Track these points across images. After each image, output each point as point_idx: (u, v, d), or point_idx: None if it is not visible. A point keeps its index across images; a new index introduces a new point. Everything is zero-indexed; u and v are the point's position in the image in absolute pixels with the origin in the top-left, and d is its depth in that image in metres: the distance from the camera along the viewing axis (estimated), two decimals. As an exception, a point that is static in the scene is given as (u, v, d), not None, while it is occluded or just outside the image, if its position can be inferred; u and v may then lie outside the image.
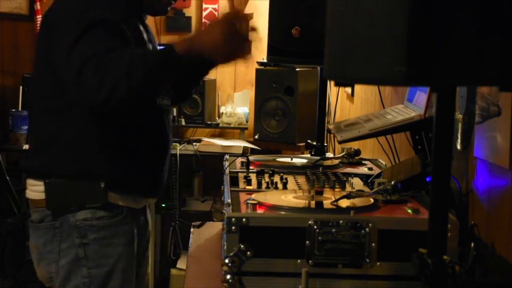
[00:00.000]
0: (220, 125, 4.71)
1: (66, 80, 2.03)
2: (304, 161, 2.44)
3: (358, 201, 1.77)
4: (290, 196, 1.83)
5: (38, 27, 4.74)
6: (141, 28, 2.22)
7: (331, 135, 3.06)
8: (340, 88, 3.83)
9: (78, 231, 2.12)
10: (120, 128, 2.13)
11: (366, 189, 1.99)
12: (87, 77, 1.94)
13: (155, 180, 2.24)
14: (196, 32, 2.09)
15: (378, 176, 2.07)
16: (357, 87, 3.59)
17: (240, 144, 4.43)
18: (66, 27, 2.04)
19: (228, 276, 1.59)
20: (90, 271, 2.13)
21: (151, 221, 2.42)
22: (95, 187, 2.11)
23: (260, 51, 2.78)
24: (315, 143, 2.59)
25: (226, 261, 1.60)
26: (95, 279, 2.13)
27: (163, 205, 4.56)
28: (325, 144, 2.63)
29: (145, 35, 2.22)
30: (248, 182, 2.04)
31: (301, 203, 1.78)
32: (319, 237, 1.60)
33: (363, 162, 2.44)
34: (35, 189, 2.16)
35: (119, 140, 2.13)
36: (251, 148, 4.33)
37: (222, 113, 4.72)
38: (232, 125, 4.71)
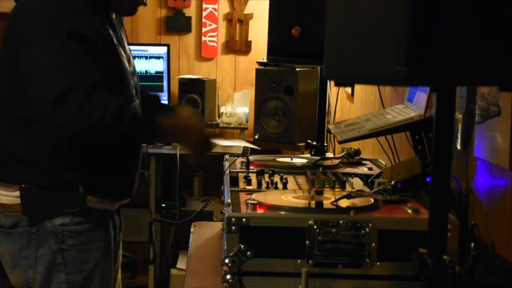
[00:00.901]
0: (220, 125, 4.70)
1: (36, 97, 1.98)
2: (304, 161, 2.44)
3: (358, 201, 1.77)
4: (290, 196, 1.83)
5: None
6: (109, 29, 2.18)
7: (331, 135, 3.06)
8: (340, 88, 3.83)
9: (56, 237, 2.08)
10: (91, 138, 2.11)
11: (366, 189, 1.99)
12: (70, 107, 1.93)
13: (129, 183, 2.26)
14: (182, 120, 2.17)
15: (378, 176, 2.07)
16: (357, 87, 3.59)
17: (240, 144, 4.43)
18: (35, 36, 2.00)
19: (228, 276, 1.59)
20: (68, 277, 2.11)
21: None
22: (74, 193, 2.09)
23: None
24: (315, 143, 2.59)
25: (226, 261, 1.60)
26: (72, 284, 2.11)
27: (163, 205, 4.56)
28: (325, 144, 2.63)
29: (113, 37, 2.19)
30: (248, 182, 2.04)
31: (301, 203, 1.78)
32: (319, 237, 1.60)
33: (363, 162, 2.44)
34: (8, 194, 2.10)
35: (90, 148, 2.10)
36: (251, 148, 4.33)
37: (222, 113, 4.72)
38: (232, 125, 4.71)
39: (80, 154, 2.10)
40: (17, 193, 2.08)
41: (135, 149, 2.27)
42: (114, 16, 2.27)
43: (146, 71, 4.69)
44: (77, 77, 1.96)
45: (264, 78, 4.26)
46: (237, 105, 4.74)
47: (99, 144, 2.09)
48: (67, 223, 2.09)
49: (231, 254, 1.60)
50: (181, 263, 4.41)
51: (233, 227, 1.61)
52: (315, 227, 1.61)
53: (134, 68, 2.30)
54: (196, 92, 4.57)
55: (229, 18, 4.92)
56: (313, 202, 1.80)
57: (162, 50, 4.71)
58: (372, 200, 1.79)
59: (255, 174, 2.09)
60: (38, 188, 2.07)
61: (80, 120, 1.94)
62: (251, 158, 2.37)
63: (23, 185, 2.07)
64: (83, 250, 2.12)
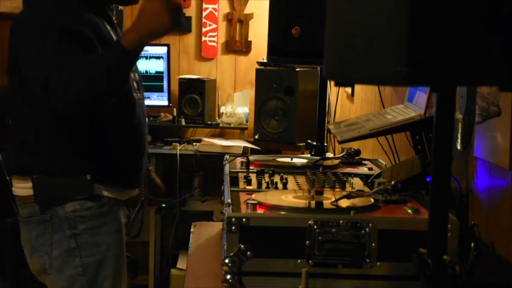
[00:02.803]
0: (220, 125, 4.71)
1: (33, 90, 2.10)
2: (304, 161, 2.44)
3: (358, 201, 1.77)
4: (290, 196, 1.83)
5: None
6: (108, 27, 2.26)
7: (331, 135, 3.06)
8: (340, 88, 3.83)
9: (69, 223, 2.17)
10: (99, 126, 2.19)
11: (366, 189, 1.99)
12: (53, 87, 2.01)
13: (136, 172, 2.31)
14: (136, 20, 2.10)
15: (378, 176, 2.07)
16: (357, 87, 3.59)
17: (240, 144, 4.43)
18: (32, 37, 2.11)
19: (228, 276, 1.59)
20: (83, 260, 2.18)
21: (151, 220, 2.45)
22: (81, 180, 2.17)
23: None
24: (315, 143, 2.59)
25: (226, 261, 1.60)
26: (88, 267, 2.18)
27: (164, 205, 4.56)
28: (325, 144, 2.63)
29: (112, 34, 2.27)
30: (248, 182, 2.04)
31: (301, 203, 1.78)
32: (319, 237, 1.60)
33: (363, 162, 2.44)
34: (22, 186, 2.21)
35: (98, 137, 2.19)
36: (251, 148, 4.33)
37: (222, 113, 4.72)
38: (232, 125, 4.71)
39: (83, 140, 2.18)
40: (30, 184, 2.18)
41: (137, 132, 2.29)
42: (113, 10, 2.35)
43: (146, 71, 4.70)
44: (63, 61, 2.04)
45: (264, 78, 4.26)
46: (237, 105, 4.74)
47: (105, 102, 2.10)
48: (77, 209, 2.17)
49: (231, 254, 1.60)
50: (181, 263, 4.41)
51: (233, 227, 1.61)
52: (315, 227, 1.61)
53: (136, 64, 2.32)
54: (196, 92, 4.57)
55: (229, 18, 4.92)
56: (313, 202, 1.80)
57: (162, 50, 4.71)
58: (372, 200, 1.79)
59: (255, 174, 2.09)
60: (47, 177, 2.17)
61: (66, 96, 2.01)
62: (251, 158, 2.37)
63: (34, 176, 2.17)
64: (95, 233, 2.19)
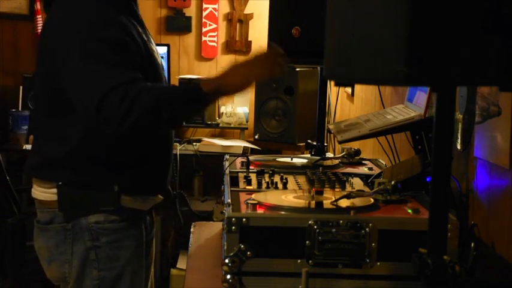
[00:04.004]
0: (220, 125, 4.70)
1: (79, 104, 2.02)
2: (304, 161, 2.44)
3: (358, 201, 1.77)
4: (290, 196, 1.83)
5: (39, 32, 4.74)
6: (139, 27, 2.19)
7: (331, 135, 3.06)
8: (340, 88, 3.83)
9: (90, 234, 2.12)
10: (128, 139, 2.12)
11: (366, 189, 1.99)
12: (111, 105, 1.94)
13: (163, 177, 2.28)
14: (224, 73, 2.09)
15: (378, 176, 2.07)
16: (357, 87, 3.59)
17: (240, 144, 4.43)
18: (69, 47, 2.02)
19: (228, 276, 1.59)
20: (100, 273, 2.14)
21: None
22: (109, 192, 2.12)
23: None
24: (315, 143, 2.59)
25: (226, 261, 1.60)
26: (104, 281, 2.14)
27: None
28: (325, 144, 2.63)
29: (144, 36, 2.20)
30: (248, 182, 2.04)
31: (301, 203, 1.78)
32: (319, 237, 1.60)
33: (363, 162, 2.44)
34: (46, 191, 2.16)
35: (127, 145, 2.13)
36: (251, 148, 4.33)
37: (222, 113, 4.72)
38: (232, 125, 4.70)
39: (113, 152, 2.12)
40: (54, 190, 2.12)
41: (168, 140, 2.27)
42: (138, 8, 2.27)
43: (146, 71, 4.69)
44: (118, 80, 1.97)
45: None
46: (237, 105, 4.74)
47: (155, 129, 2.09)
48: (101, 221, 2.13)
49: (231, 254, 1.60)
50: (181, 263, 4.41)
51: (233, 227, 1.61)
52: (315, 227, 1.61)
53: (161, 62, 2.33)
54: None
55: (229, 18, 4.92)
56: (313, 202, 1.80)
57: (162, 50, 4.71)
58: (372, 200, 1.79)
59: (255, 174, 2.09)
60: (73, 186, 2.12)
61: (122, 120, 1.95)
62: (251, 158, 2.37)
63: (59, 183, 2.11)
64: (116, 247, 2.15)
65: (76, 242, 2.13)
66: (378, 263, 1.62)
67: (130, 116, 1.93)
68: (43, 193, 2.17)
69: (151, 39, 2.27)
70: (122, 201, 2.14)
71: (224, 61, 4.93)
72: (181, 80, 4.61)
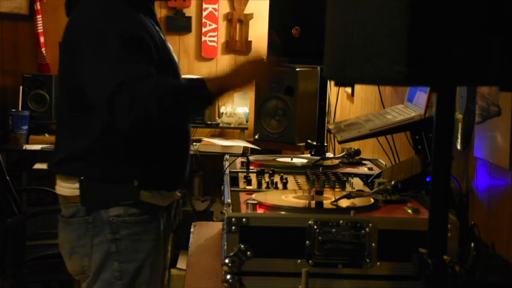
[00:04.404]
0: (220, 125, 4.70)
1: (95, 100, 2.08)
2: (304, 161, 2.44)
3: (358, 201, 1.77)
4: (290, 196, 1.83)
5: (36, 30, 4.73)
6: (156, 27, 2.26)
7: (331, 135, 3.06)
8: (340, 88, 3.83)
9: (111, 227, 2.17)
10: (148, 132, 2.16)
11: (366, 189, 1.99)
12: (120, 99, 1.99)
13: (181, 172, 2.31)
14: (229, 72, 2.16)
15: (378, 176, 2.07)
16: (357, 87, 3.59)
17: (240, 144, 4.43)
18: (88, 45, 2.08)
19: (228, 276, 1.59)
20: (121, 265, 2.18)
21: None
22: (129, 185, 2.17)
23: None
24: (315, 143, 2.59)
25: (226, 261, 1.60)
26: (125, 273, 2.18)
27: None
28: (325, 144, 2.63)
29: (161, 34, 2.27)
30: (248, 182, 2.04)
31: (301, 203, 1.78)
32: (319, 237, 1.60)
33: (363, 162, 2.44)
34: (68, 186, 2.21)
35: (146, 143, 2.18)
36: (251, 148, 4.33)
37: (222, 113, 4.72)
38: (232, 125, 4.71)
39: (132, 148, 2.17)
40: (77, 185, 2.18)
41: (185, 136, 2.31)
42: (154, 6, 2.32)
43: (146, 71, 4.69)
44: (128, 75, 2.02)
45: (264, 78, 4.25)
46: (237, 105, 4.74)
47: (166, 126, 2.14)
48: (121, 214, 2.17)
49: (231, 254, 1.60)
50: (181, 263, 4.41)
51: (233, 227, 1.61)
52: (315, 227, 1.61)
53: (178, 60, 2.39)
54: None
55: (229, 18, 4.92)
56: (313, 202, 1.80)
57: (162, 50, 4.71)
58: (372, 200, 1.79)
59: (255, 174, 2.09)
60: (95, 181, 2.18)
61: (129, 113, 2.00)
62: (251, 158, 2.37)
63: (81, 177, 2.17)
64: (136, 240, 2.19)
65: (97, 235, 2.17)
66: (378, 263, 1.62)
67: (135, 109, 1.98)
68: (66, 189, 2.22)
69: (161, 34, 2.31)
70: (141, 196, 2.18)
71: (224, 61, 4.93)
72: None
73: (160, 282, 2.34)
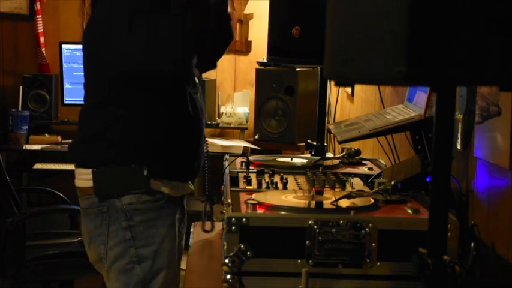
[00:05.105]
0: (220, 125, 4.71)
1: (127, 54, 2.16)
2: (304, 161, 2.44)
3: (358, 201, 1.77)
4: (290, 196, 1.83)
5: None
6: None
7: (331, 135, 3.06)
8: (340, 88, 3.83)
9: (125, 215, 2.21)
10: (160, 120, 2.23)
11: (366, 189, 1.99)
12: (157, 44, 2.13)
13: (192, 162, 2.33)
14: None
15: (378, 176, 2.07)
16: (357, 87, 3.59)
17: (240, 144, 4.43)
18: (111, 28, 2.18)
19: (228, 276, 1.59)
20: (138, 251, 2.22)
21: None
22: (139, 174, 2.21)
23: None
24: (315, 143, 2.59)
25: (226, 261, 1.60)
26: (143, 257, 2.22)
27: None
28: (325, 144, 2.63)
29: None
30: (248, 182, 2.04)
31: (301, 203, 1.78)
32: (319, 237, 1.60)
33: (363, 162, 2.44)
34: (84, 178, 2.27)
35: (159, 131, 2.23)
36: (251, 148, 4.33)
37: (222, 113, 4.72)
38: (232, 125, 4.71)
39: (141, 133, 2.23)
40: (91, 176, 2.25)
41: (198, 126, 2.35)
42: None
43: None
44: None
45: (264, 78, 4.26)
46: (237, 105, 4.74)
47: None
48: (134, 202, 2.22)
49: (231, 254, 1.60)
50: (181, 263, 4.40)
51: (233, 227, 1.61)
52: (315, 227, 1.61)
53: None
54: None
55: (229, 18, 4.92)
56: (313, 202, 1.80)
57: (162, 50, 4.70)
58: (372, 200, 1.79)
59: (255, 174, 2.09)
60: (106, 170, 2.23)
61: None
62: (251, 158, 2.37)
63: (94, 169, 2.23)
64: (150, 226, 2.23)
65: (112, 224, 2.22)
66: (378, 263, 1.62)
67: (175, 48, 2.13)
68: (82, 180, 2.28)
69: None
70: (152, 185, 2.22)
71: (224, 61, 4.93)
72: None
73: (179, 266, 2.36)
